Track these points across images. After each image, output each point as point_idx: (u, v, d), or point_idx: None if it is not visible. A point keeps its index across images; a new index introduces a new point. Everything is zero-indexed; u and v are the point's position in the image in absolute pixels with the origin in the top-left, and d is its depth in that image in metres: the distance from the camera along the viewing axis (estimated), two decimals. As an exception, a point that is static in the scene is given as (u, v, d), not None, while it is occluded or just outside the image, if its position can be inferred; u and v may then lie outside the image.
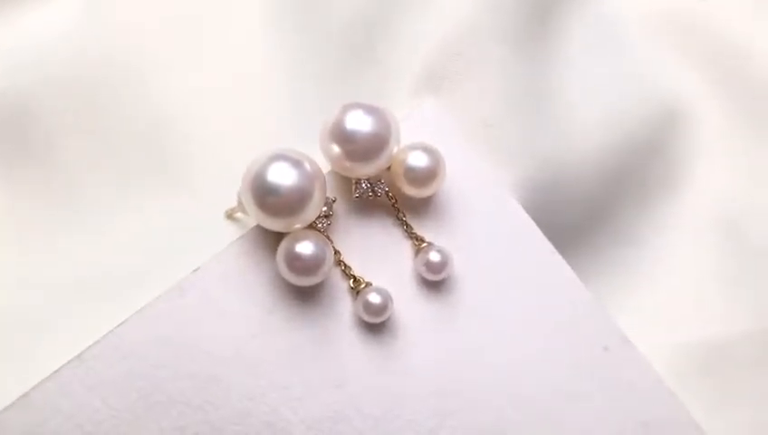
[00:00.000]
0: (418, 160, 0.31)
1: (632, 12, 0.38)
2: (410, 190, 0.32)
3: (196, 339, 0.30)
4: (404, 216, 0.32)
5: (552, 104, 0.36)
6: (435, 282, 0.32)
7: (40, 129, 0.36)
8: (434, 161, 0.31)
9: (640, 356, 0.33)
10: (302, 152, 0.30)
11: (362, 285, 0.31)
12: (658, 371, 0.33)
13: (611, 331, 0.33)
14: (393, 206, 0.32)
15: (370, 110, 0.30)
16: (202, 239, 0.34)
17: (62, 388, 0.29)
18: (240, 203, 0.31)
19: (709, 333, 0.35)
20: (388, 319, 0.32)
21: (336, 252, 0.32)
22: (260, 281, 0.31)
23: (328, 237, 0.31)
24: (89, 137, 0.36)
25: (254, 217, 0.30)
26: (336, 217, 0.32)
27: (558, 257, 0.33)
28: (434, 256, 0.31)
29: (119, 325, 0.30)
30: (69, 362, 0.29)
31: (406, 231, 0.32)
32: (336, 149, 0.30)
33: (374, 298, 0.31)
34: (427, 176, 0.31)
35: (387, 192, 0.32)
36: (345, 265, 0.32)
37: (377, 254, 0.32)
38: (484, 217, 0.33)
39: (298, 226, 0.30)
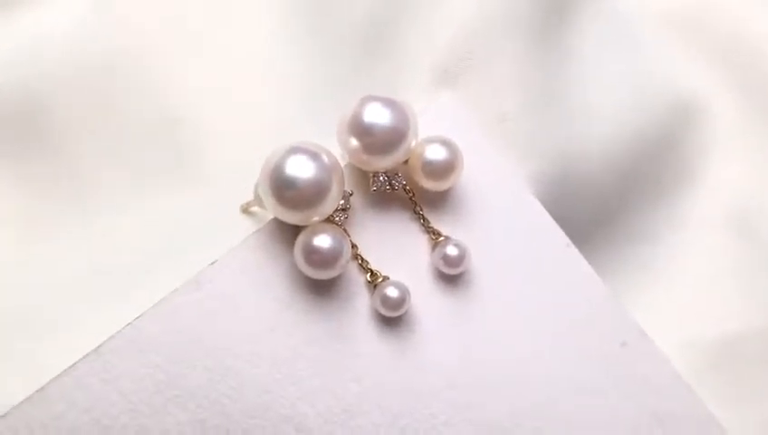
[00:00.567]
0: (436, 154, 0.31)
1: (646, 7, 0.38)
2: (428, 184, 0.31)
3: (214, 332, 0.30)
4: (421, 209, 0.32)
5: (567, 99, 0.36)
6: (452, 276, 0.32)
7: (51, 125, 0.35)
8: (452, 155, 0.31)
9: (658, 351, 0.33)
10: (320, 145, 0.30)
11: (380, 279, 0.31)
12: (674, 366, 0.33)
13: (629, 326, 0.33)
14: (410, 199, 0.32)
15: (389, 103, 0.30)
16: (216, 234, 0.34)
17: (78, 381, 0.29)
18: (257, 196, 0.31)
19: (724, 330, 0.35)
20: (406, 313, 0.31)
21: (353, 245, 0.31)
22: (277, 274, 0.31)
23: (345, 231, 0.31)
24: (101, 132, 0.36)
25: (271, 210, 0.30)
26: (353, 211, 0.32)
27: (575, 252, 0.33)
28: (451, 250, 0.31)
29: (136, 319, 0.30)
30: (86, 355, 0.29)
31: (423, 225, 0.32)
32: (354, 142, 0.30)
33: (392, 292, 0.31)
34: (444, 169, 0.31)
35: (404, 186, 0.32)
36: (362, 258, 0.31)
37: (394, 247, 0.32)
38: (501, 211, 0.33)
39: (316, 219, 0.30)
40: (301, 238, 0.30)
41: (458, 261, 0.31)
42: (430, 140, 0.31)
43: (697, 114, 0.37)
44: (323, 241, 0.30)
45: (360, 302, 0.31)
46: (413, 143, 0.31)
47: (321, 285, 0.31)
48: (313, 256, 0.30)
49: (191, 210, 0.36)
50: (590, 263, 0.35)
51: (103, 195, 0.36)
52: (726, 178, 0.37)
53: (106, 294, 0.34)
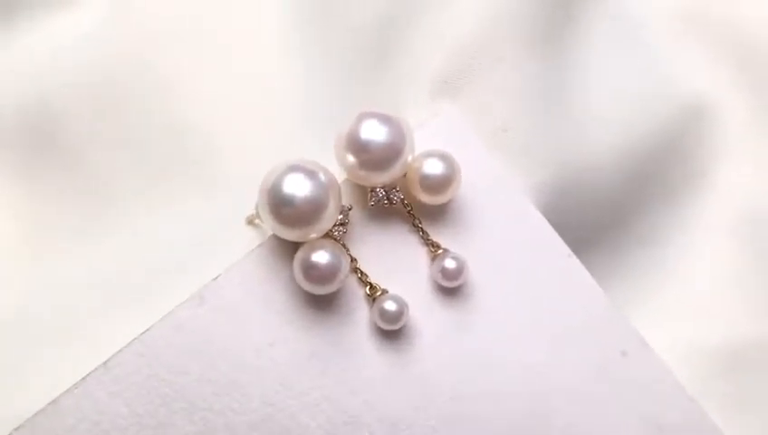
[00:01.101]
0: (434, 168, 0.31)
1: (651, 9, 0.37)
2: (426, 198, 0.32)
3: (217, 346, 0.31)
4: (420, 222, 0.32)
5: (570, 106, 0.35)
6: (451, 288, 0.32)
7: (63, 136, 0.36)
8: (449, 169, 0.31)
9: (659, 361, 0.33)
10: (316, 162, 0.30)
11: (378, 293, 0.32)
12: (679, 372, 0.33)
13: (630, 335, 0.33)
14: (409, 213, 0.32)
15: (385, 119, 0.31)
16: (226, 244, 0.35)
17: (88, 394, 0.30)
18: (257, 212, 0.32)
19: (731, 335, 0.35)
20: (406, 326, 0.32)
21: (353, 259, 0.32)
22: (278, 289, 0.32)
23: (344, 245, 0.32)
24: (114, 142, 0.37)
25: (270, 228, 0.30)
26: (352, 225, 0.33)
27: (575, 262, 0.33)
28: (449, 263, 0.32)
29: (142, 333, 0.31)
30: (95, 369, 0.30)
31: (422, 238, 0.33)
32: (351, 158, 0.31)
33: (390, 306, 0.31)
34: (442, 183, 0.31)
35: (402, 200, 0.32)
36: (362, 272, 0.32)
37: (393, 261, 0.33)
38: (501, 222, 0.33)
39: (314, 235, 0.30)
40: (299, 254, 0.31)
41: (456, 274, 0.32)
42: (428, 154, 0.32)
43: (706, 116, 0.37)
44: (321, 257, 0.30)
45: (360, 315, 0.32)
46: (409, 158, 0.31)
47: (321, 299, 0.32)
48: (312, 271, 0.30)
49: (203, 220, 0.37)
50: (596, 268, 0.35)
51: (116, 206, 0.37)
52: (736, 182, 0.36)
53: (120, 303, 0.35)
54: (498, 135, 0.34)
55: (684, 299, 0.36)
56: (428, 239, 0.32)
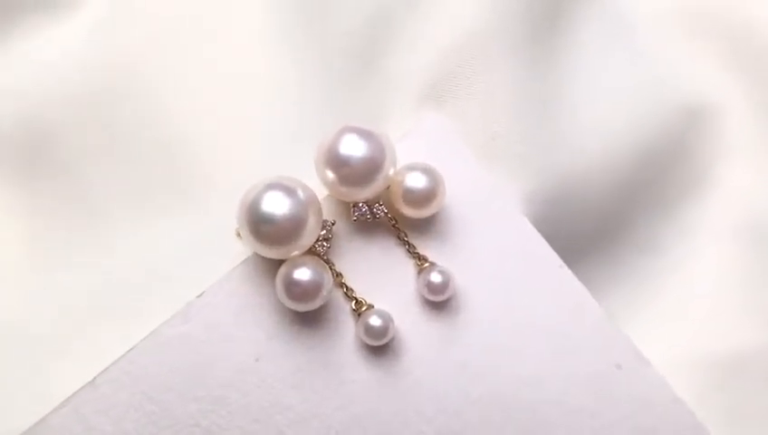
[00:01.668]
0: (416, 182, 0.31)
1: (646, 10, 0.36)
2: (409, 211, 0.31)
3: (203, 363, 0.31)
4: (405, 235, 0.32)
5: (561, 112, 0.34)
6: (438, 302, 0.32)
7: (57, 147, 0.37)
8: (432, 182, 0.31)
9: (656, 374, 0.32)
10: (296, 179, 0.30)
11: (364, 308, 0.31)
12: (679, 384, 0.32)
13: (624, 348, 0.32)
14: (394, 226, 0.32)
15: (364, 134, 0.30)
16: (217, 255, 0.35)
17: (75, 412, 0.31)
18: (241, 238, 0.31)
19: (732, 346, 0.34)
20: (394, 340, 0.32)
21: (338, 274, 0.32)
22: (263, 304, 0.32)
23: (328, 260, 0.31)
24: (106, 155, 0.37)
25: (251, 247, 0.30)
26: (338, 240, 0.32)
27: (567, 272, 0.33)
28: (435, 277, 0.31)
29: (128, 351, 0.31)
30: (82, 387, 0.31)
31: (409, 251, 0.32)
32: (330, 174, 0.30)
33: (374, 321, 0.31)
34: (425, 197, 0.31)
35: (386, 214, 0.31)
36: (347, 287, 0.32)
37: (379, 275, 0.32)
38: (489, 232, 0.33)
39: (296, 252, 0.30)
40: (281, 271, 0.30)
41: (443, 288, 0.31)
42: (411, 168, 0.31)
43: (706, 119, 0.35)
44: (303, 274, 0.30)
45: (347, 330, 0.32)
46: (391, 172, 0.31)
47: (307, 315, 0.32)
48: (294, 288, 0.30)
49: (193, 232, 0.37)
50: (591, 278, 0.34)
51: (107, 218, 0.37)
52: (737, 186, 0.35)
53: (111, 314, 0.35)
54: (487, 143, 0.34)
55: (683, 308, 0.35)
56: (415, 252, 0.32)
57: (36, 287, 0.36)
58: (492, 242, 0.33)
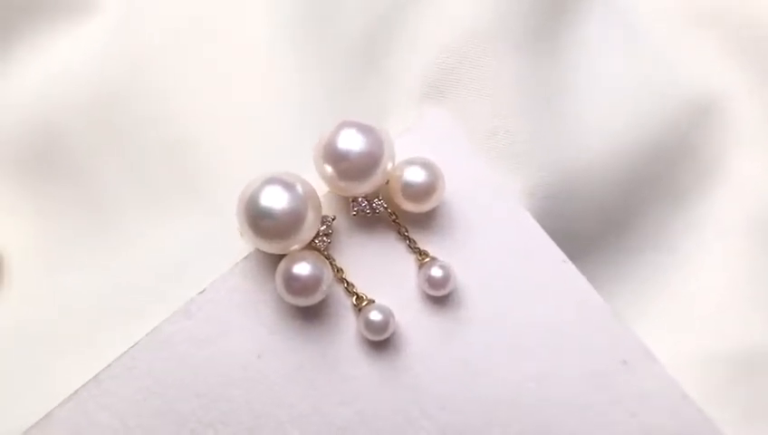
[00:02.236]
0: (415, 176, 0.31)
1: (650, 4, 0.36)
2: (408, 206, 0.31)
3: (205, 359, 0.31)
4: (406, 230, 0.32)
5: (565, 108, 0.34)
6: (439, 297, 0.32)
7: (67, 150, 0.37)
8: (431, 176, 0.31)
9: (663, 370, 0.31)
10: (295, 174, 0.30)
11: (365, 303, 0.31)
12: (685, 381, 0.32)
13: (630, 343, 0.32)
14: (394, 221, 0.32)
15: (362, 128, 0.30)
16: (223, 257, 0.35)
17: (80, 408, 0.31)
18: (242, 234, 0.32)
19: (742, 342, 0.33)
20: (395, 335, 0.31)
21: (338, 270, 0.32)
22: (264, 300, 0.32)
23: (328, 256, 0.31)
24: (114, 158, 0.38)
25: (251, 242, 0.30)
26: (338, 235, 0.32)
27: (571, 267, 0.32)
28: (435, 272, 0.31)
29: (131, 347, 0.31)
30: (87, 382, 0.31)
31: (409, 246, 0.32)
32: (329, 169, 0.30)
33: (375, 316, 0.31)
34: (424, 191, 0.31)
35: (386, 208, 0.31)
36: (348, 282, 0.32)
37: (381, 270, 0.32)
38: (492, 227, 0.33)
39: (295, 247, 0.30)
40: (281, 266, 0.30)
41: (443, 283, 0.31)
42: (410, 162, 0.31)
43: (712, 113, 0.35)
44: (302, 269, 0.30)
45: (348, 325, 0.32)
46: (389, 166, 0.31)
47: (308, 310, 0.32)
48: (293, 283, 0.30)
49: (201, 233, 0.37)
50: (597, 274, 0.34)
51: (115, 219, 0.38)
52: (744, 181, 0.34)
53: (119, 314, 0.36)
54: (489, 139, 0.33)
55: (691, 305, 0.34)
56: (416, 247, 0.32)
57: (45, 288, 0.37)
58: (494, 237, 0.32)
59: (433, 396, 0.31)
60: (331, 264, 0.31)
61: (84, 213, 0.38)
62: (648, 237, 0.35)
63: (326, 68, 0.37)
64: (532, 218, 0.33)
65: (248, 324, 0.32)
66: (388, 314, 0.31)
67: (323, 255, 0.31)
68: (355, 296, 0.31)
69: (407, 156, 0.32)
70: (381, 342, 0.31)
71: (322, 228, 0.31)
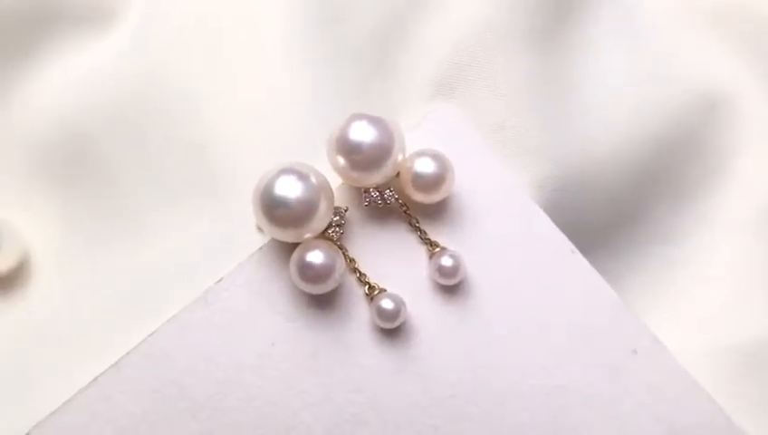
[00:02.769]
0: (425, 167, 0.32)
1: (658, 2, 0.36)
2: (419, 197, 0.32)
3: (222, 346, 0.32)
4: (417, 221, 0.33)
5: (573, 103, 0.35)
6: (452, 286, 0.32)
7: (89, 155, 0.38)
8: (441, 167, 0.32)
9: (674, 359, 0.32)
10: (309, 165, 0.31)
11: (376, 292, 0.32)
12: (696, 374, 0.32)
13: (640, 333, 0.32)
14: (405, 213, 0.33)
15: (373, 120, 0.31)
16: (243, 254, 0.36)
17: (101, 393, 0.32)
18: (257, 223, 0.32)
19: (750, 335, 0.33)
20: (407, 324, 0.32)
21: (351, 260, 0.32)
22: (280, 289, 0.33)
23: (341, 246, 0.32)
24: (138, 160, 0.39)
25: (265, 230, 0.31)
26: (351, 226, 0.33)
27: (580, 258, 0.33)
28: (446, 261, 0.32)
29: (150, 334, 0.32)
30: (107, 369, 0.32)
31: (420, 237, 0.33)
32: (341, 160, 0.31)
33: (387, 304, 0.31)
34: (435, 182, 0.32)
35: (397, 199, 0.32)
36: (360, 272, 0.32)
37: (392, 260, 0.33)
38: (501, 219, 0.33)
39: (308, 235, 0.31)
40: (295, 255, 0.31)
41: (453, 271, 0.32)
42: (420, 154, 0.32)
43: (722, 108, 0.35)
44: (316, 257, 0.31)
45: (361, 314, 0.32)
46: (400, 157, 0.31)
47: (322, 299, 0.32)
48: (307, 271, 0.31)
49: (222, 233, 0.38)
50: (605, 267, 0.34)
51: (139, 221, 0.38)
52: (756, 175, 0.35)
53: (142, 313, 0.37)
54: (498, 132, 0.34)
55: (701, 298, 0.34)
56: (427, 238, 0.33)
57: (67, 289, 0.38)
58: (503, 228, 0.33)
59: (443, 385, 0.32)
60: (343, 254, 0.32)
61: (105, 214, 0.39)
62: (656, 231, 0.35)
63: (339, 68, 0.38)
64: (541, 210, 0.33)
65: (263, 313, 0.32)
66: (399, 303, 0.31)
67: (336, 244, 0.32)
68: (367, 286, 0.32)
69: (416, 148, 0.32)
70: (393, 330, 0.32)
71: (335, 219, 0.32)
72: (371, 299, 0.32)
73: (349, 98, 0.37)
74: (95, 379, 0.32)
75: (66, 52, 0.40)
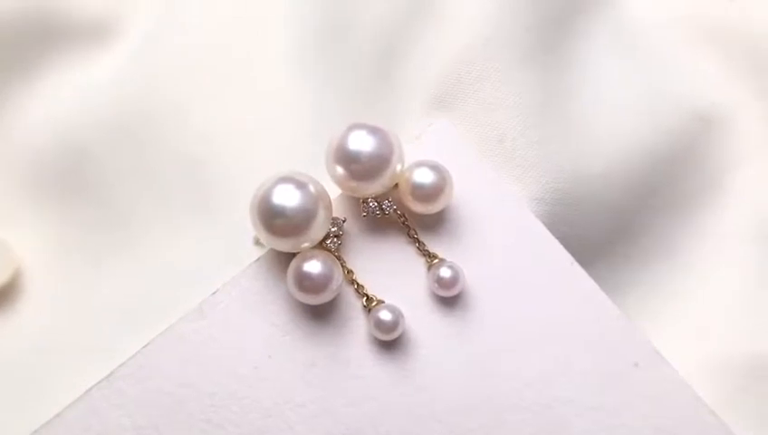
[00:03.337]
0: (424, 177, 0.32)
1: (657, 16, 0.37)
2: (418, 207, 0.32)
3: (217, 359, 0.32)
4: (415, 233, 0.32)
5: (571, 117, 0.35)
6: (449, 298, 0.32)
7: (88, 169, 0.38)
8: (440, 177, 0.31)
9: (675, 372, 0.31)
10: (307, 174, 0.31)
11: (374, 303, 0.31)
12: (696, 387, 0.31)
13: (641, 346, 0.32)
14: (404, 224, 0.32)
15: (372, 130, 0.31)
16: (240, 266, 0.36)
17: (92, 407, 0.31)
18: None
19: (749, 348, 0.33)
20: (405, 337, 0.32)
21: (349, 271, 0.32)
22: (276, 301, 0.32)
23: (339, 257, 0.32)
24: (135, 174, 0.39)
25: (263, 239, 0.31)
26: (349, 237, 0.33)
27: (579, 269, 0.33)
28: (444, 272, 0.31)
29: (144, 346, 0.32)
30: (99, 381, 0.31)
31: (419, 249, 0.32)
32: (340, 170, 0.31)
33: (385, 315, 0.31)
34: (433, 192, 0.31)
35: (395, 210, 0.32)
36: (358, 284, 0.32)
37: (391, 272, 0.33)
38: (499, 231, 0.33)
39: (306, 244, 0.31)
40: (292, 265, 0.31)
41: (452, 283, 0.31)
42: (419, 164, 0.32)
43: (718, 123, 0.36)
44: (314, 266, 0.31)
45: (358, 327, 0.32)
46: (398, 168, 0.31)
47: (319, 311, 0.32)
48: (304, 281, 0.31)
49: (218, 245, 0.38)
50: (605, 281, 0.34)
51: (136, 233, 0.38)
52: (752, 189, 0.35)
53: (139, 325, 0.36)
54: (496, 146, 0.34)
55: (701, 312, 0.34)
56: (425, 250, 0.32)
57: (62, 301, 0.37)
58: (502, 241, 0.33)
59: (442, 397, 0.31)
60: (341, 265, 0.32)
61: (101, 229, 0.38)
62: (655, 244, 0.35)
63: (338, 83, 0.38)
64: (540, 223, 0.33)
65: (259, 325, 0.32)
66: (397, 314, 0.31)
67: (334, 255, 0.32)
68: (365, 297, 0.32)
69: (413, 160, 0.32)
70: (391, 342, 0.32)
71: (333, 229, 0.32)
72: (369, 311, 0.31)
73: (347, 112, 0.37)
74: (86, 392, 0.31)
75: (64, 67, 0.40)
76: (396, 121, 0.36)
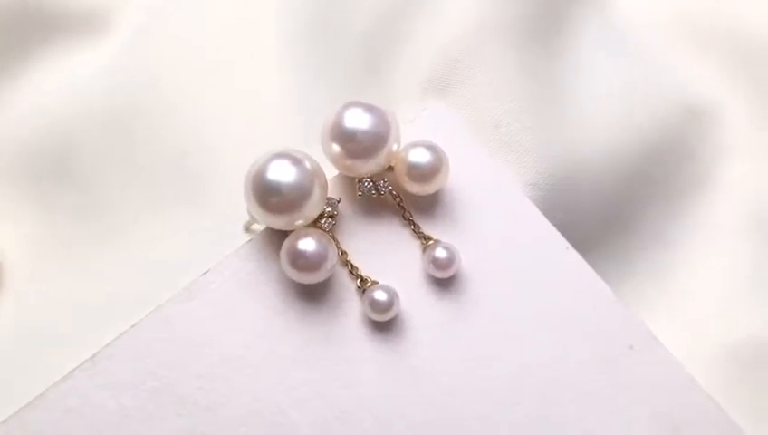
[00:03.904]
0: (420, 157, 0.31)
1: (649, 11, 0.38)
2: (414, 187, 0.32)
3: (205, 340, 0.31)
4: (410, 215, 0.32)
5: (566, 102, 0.35)
6: (445, 280, 0.32)
7: (74, 159, 0.38)
8: (436, 157, 0.31)
9: (669, 355, 0.31)
10: (303, 151, 0.31)
11: (369, 284, 0.31)
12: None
13: (636, 328, 0.32)
14: (399, 205, 0.32)
15: (368, 108, 0.31)
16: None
17: (75, 388, 0.30)
18: (249, 210, 0.32)
19: (741, 336, 0.33)
20: (399, 319, 0.31)
21: (343, 252, 0.32)
22: (268, 282, 0.32)
23: (334, 238, 0.31)
24: (121, 165, 0.38)
25: (257, 216, 0.31)
26: (344, 219, 0.32)
27: (574, 254, 0.32)
28: (440, 253, 0.31)
29: (130, 327, 0.31)
30: (83, 362, 0.30)
31: (414, 231, 0.32)
32: (336, 147, 0.31)
33: (380, 295, 0.30)
34: (429, 172, 0.31)
35: (390, 190, 0.32)
36: (352, 265, 0.32)
37: (385, 254, 0.32)
38: (495, 215, 0.33)
39: (300, 222, 0.30)
40: (286, 243, 0.30)
41: (448, 263, 0.31)
42: (415, 144, 0.32)
43: (706, 116, 0.36)
44: (308, 244, 0.30)
45: (351, 308, 0.31)
46: (394, 147, 0.31)
47: (311, 293, 0.31)
48: (298, 259, 0.30)
49: (207, 235, 0.37)
50: (600, 269, 0.34)
51: (122, 224, 0.38)
52: (742, 180, 0.35)
53: (127, 316, 0.35)
54: (491, 131, 0.34)
55: (694, 301, 0.34)
56: (420, 232, 0.32)
57: (45, 294, 0.36)
58: (497, 225, 0.33)
59: (436, 380, 0.31)
60: (336, 245, 0.31)
61: (88, 221, 0.38)
62: (648, 233, 0.36)
63: (331, 75, 0.38)
64: (535, 207, 0.33)
65: (251, 306, 0.31)
66: (393, 294, 0.30)
67: (328, 235, 0.31)
68: (359, 279, 0.31)
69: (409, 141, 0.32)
70: (385, 324, 0.31)
71: (328, 210, 0.31)
72: (363, 291, 0.31)
73: (341, 99, 0.37)
74: (69, 372, 0.30)
75: (53, 58, 0.39)
76: (391, 105, 0.36)
